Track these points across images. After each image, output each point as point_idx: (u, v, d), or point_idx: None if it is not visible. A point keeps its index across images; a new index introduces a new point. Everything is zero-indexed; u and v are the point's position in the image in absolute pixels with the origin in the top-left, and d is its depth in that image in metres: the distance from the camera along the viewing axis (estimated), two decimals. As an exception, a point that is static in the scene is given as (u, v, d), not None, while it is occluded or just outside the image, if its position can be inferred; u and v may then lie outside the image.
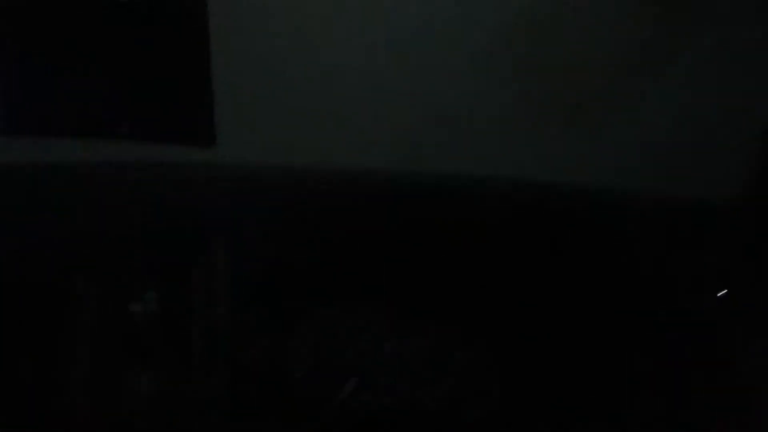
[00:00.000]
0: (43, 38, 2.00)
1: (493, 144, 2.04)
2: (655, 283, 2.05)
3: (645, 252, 2.06)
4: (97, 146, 2.00)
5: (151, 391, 1.95)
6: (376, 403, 2.00)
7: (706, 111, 1.99)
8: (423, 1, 1.97)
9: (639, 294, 2.02)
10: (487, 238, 2.05)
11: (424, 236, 2.06)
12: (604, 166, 2.03)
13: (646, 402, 1.95)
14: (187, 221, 2.05)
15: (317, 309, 2.07)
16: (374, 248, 2.07)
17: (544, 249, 2.06)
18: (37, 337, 1.95)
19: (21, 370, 1.93)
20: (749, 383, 1.92)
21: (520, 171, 2.05)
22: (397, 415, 1.99)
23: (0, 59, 1.99)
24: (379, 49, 1.99)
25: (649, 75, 1.96)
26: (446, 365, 2.06)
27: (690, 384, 1.96)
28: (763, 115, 1.99)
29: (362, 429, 1.99)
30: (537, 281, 2.04)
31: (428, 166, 2.06)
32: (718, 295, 2.02)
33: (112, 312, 1.95)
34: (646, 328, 2.00)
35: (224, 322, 2.01)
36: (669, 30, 1.94)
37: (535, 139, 2.03)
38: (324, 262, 2.06)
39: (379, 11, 1.98)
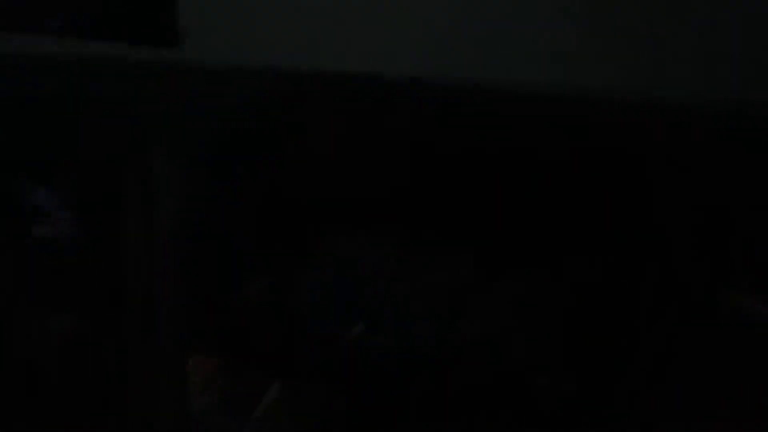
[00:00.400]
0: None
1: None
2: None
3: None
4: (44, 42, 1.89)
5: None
6: (385, 347, 1.86)
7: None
8: None
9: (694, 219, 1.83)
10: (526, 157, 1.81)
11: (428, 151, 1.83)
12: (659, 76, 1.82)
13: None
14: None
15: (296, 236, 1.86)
16: (366, 163, 1.83)
17: (588, 168, 1.83)
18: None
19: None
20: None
21: (560, 82, 1.81)
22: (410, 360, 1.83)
23: None
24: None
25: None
26: (465, 303, 1.84)
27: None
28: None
29: (372, 375, 1.85)
30: (577, 205, 1.82)
31: (433, 72, 1.80)
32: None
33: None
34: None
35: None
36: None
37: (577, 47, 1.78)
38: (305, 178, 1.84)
39: None
